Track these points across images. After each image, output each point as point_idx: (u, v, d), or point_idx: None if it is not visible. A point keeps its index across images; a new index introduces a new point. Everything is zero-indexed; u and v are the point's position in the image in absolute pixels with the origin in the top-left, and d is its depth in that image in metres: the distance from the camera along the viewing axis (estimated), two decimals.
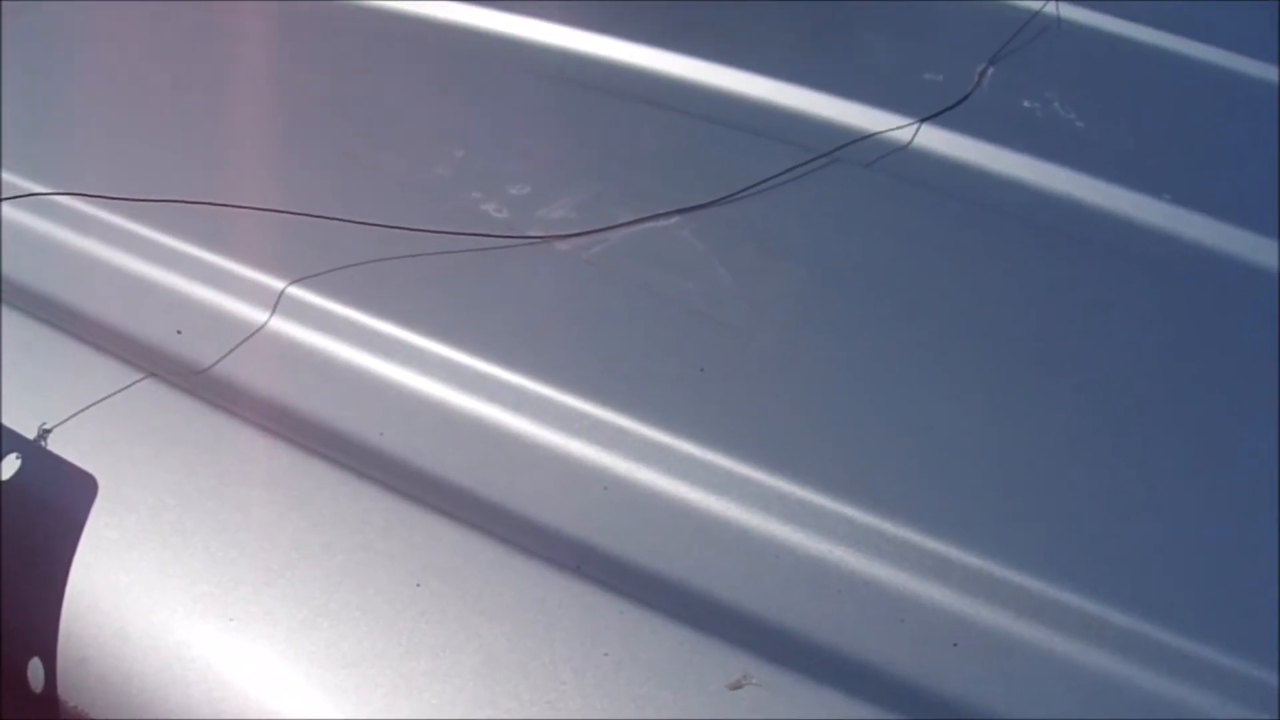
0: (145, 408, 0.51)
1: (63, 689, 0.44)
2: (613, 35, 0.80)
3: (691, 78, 0.77)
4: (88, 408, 0.52)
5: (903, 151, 0.73)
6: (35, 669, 0.45)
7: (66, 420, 0.51)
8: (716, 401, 0.52)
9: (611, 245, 0.60)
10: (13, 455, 0.50)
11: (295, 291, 0.57)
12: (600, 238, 0.61)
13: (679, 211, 0.63)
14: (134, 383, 0.53)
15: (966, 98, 0.78)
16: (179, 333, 0.56)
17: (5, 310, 0.56)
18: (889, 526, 0.46)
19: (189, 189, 0.63)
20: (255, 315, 0.57)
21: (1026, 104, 0.78)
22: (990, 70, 0.82)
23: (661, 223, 0.62)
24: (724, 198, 0.64)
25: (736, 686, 0.40)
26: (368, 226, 0.59)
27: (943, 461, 0.50)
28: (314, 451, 0.49)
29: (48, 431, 0.51)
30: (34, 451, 0.50)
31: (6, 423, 0.50)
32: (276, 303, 0.57)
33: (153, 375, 0.53)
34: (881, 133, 0.73)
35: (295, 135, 0.70)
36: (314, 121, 0.72)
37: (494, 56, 0.81)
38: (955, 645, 0.42)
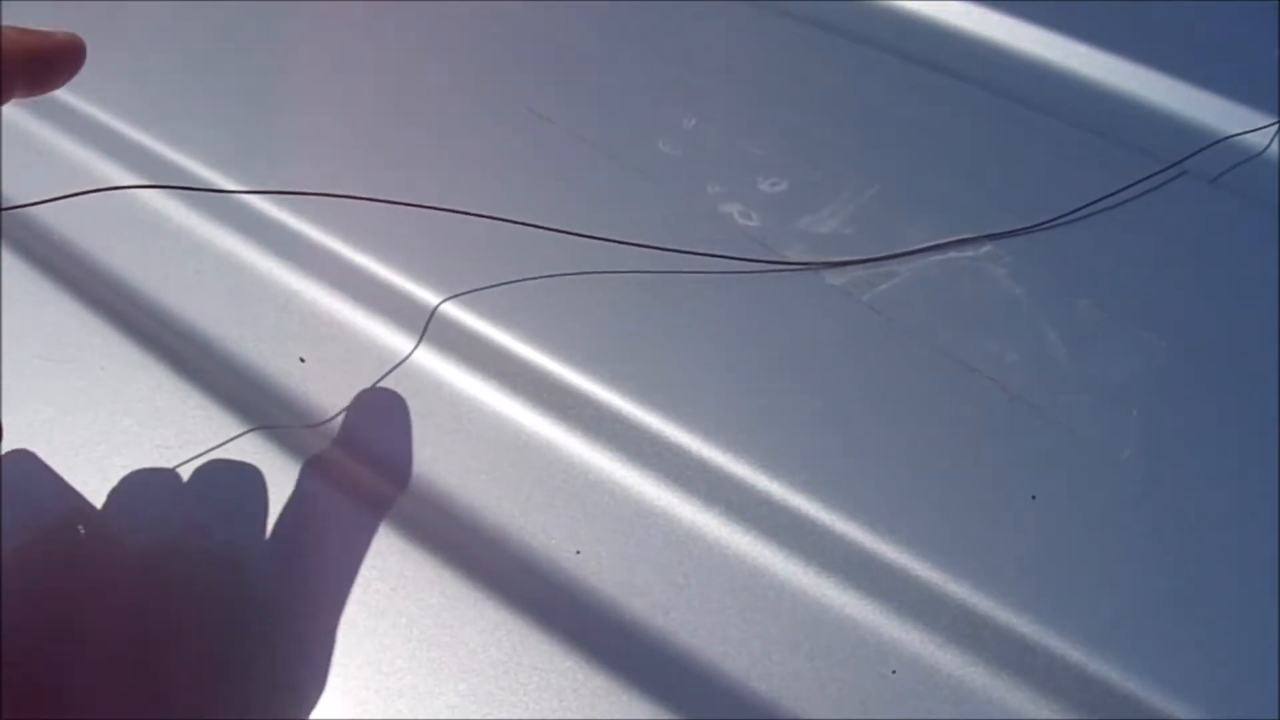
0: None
1: None
2: None
3: (997, 39, 0.58)
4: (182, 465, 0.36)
5: (1258, 160, 0.54)
6: None
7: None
8: (1056, 546, 0.35)
9: (900, 282, 0.43)
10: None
11: (451, 311, 0.41)
12: (886, 270, 0.43)
13: (990, 238, 0.45)
14: (232, 439, 0.37)
15: None
16: (301, 360, 0.40)
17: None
18: None
19: (316, 156, 0.46)
20: (396, 340, 0.41)
21: None
22: None
23: (967, 252, 0.44)
24: (1046, 222, 0.46)
25: None
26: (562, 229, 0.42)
27: None
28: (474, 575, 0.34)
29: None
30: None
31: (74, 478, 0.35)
32: (426, 325, 0.40)
33: (260, 428, 0.37)
34: (1233, 136, 0.53)
35: (460, 78, 0.52)
36: (485, 61, 0.54)
37: None
38: None
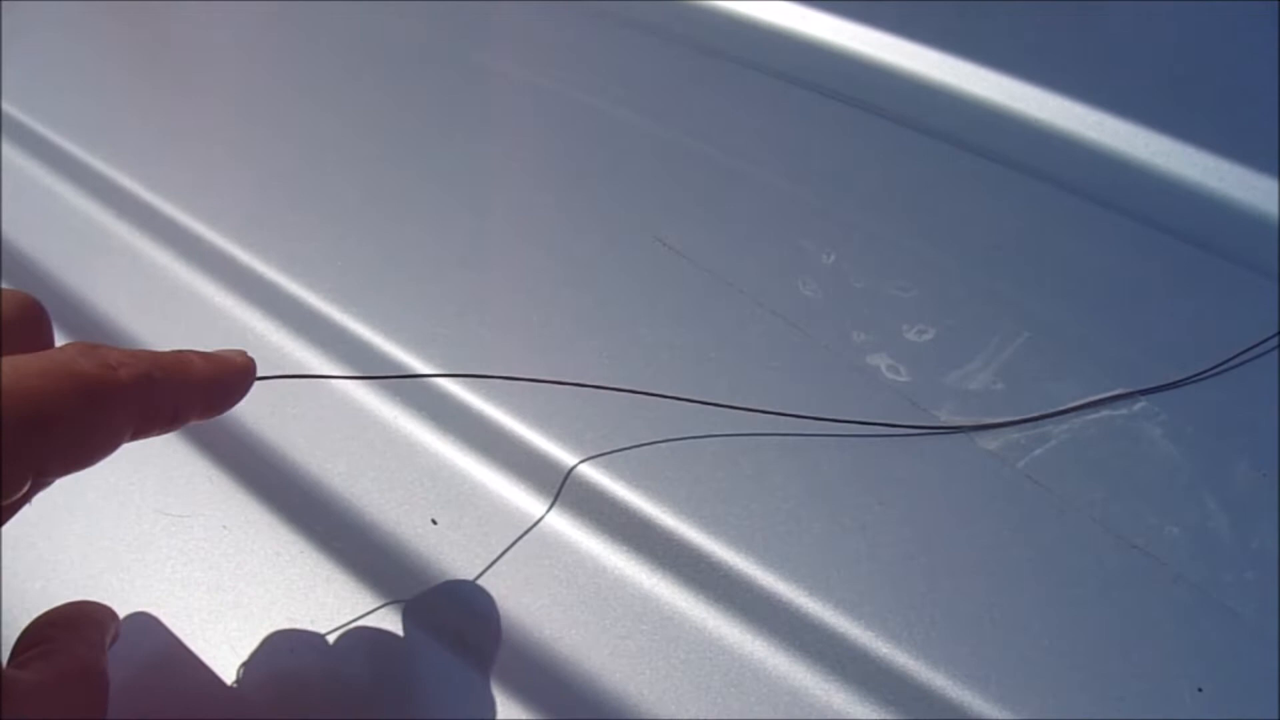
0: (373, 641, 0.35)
1: None
2: (1038, 85, 0.58)
3: (1137, 156, 0.55)
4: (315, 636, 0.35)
5: None
6: None
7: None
8: None
9: (1055, 446, 0.41)
10: None
11: (588, 473, 0.39)
12: (1039, 431, 0.41)
13: (1143, 393, 0.43)
14: (365, 614, 0.36)
15: None
16: (434, 522, 0.38)
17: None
18: None
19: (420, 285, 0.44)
20: (529, 503, 0.39)
21: None
22: None
23: (1121, 410, 0.42)
24: (1199, 374, 0.44)
25: None
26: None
27: None
28: None
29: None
30: None
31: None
32: (561, 487, 0.39)
33: (393, 602, 0.36)
34: None
35: (586, 205, 0.50)
36: (611, 185, 0.52)
37: (879, 99, 0.60)
38: None
